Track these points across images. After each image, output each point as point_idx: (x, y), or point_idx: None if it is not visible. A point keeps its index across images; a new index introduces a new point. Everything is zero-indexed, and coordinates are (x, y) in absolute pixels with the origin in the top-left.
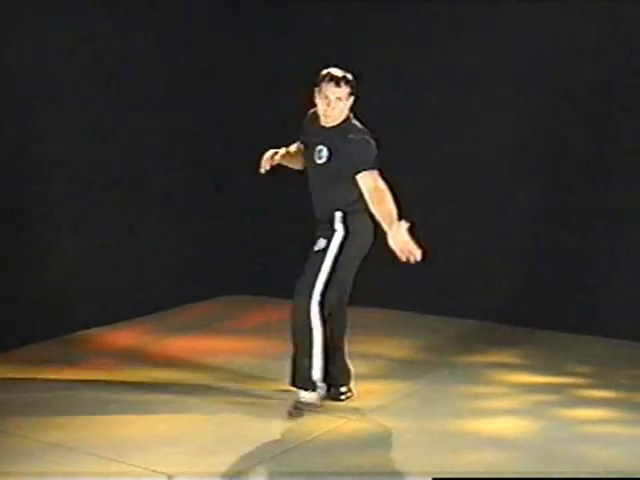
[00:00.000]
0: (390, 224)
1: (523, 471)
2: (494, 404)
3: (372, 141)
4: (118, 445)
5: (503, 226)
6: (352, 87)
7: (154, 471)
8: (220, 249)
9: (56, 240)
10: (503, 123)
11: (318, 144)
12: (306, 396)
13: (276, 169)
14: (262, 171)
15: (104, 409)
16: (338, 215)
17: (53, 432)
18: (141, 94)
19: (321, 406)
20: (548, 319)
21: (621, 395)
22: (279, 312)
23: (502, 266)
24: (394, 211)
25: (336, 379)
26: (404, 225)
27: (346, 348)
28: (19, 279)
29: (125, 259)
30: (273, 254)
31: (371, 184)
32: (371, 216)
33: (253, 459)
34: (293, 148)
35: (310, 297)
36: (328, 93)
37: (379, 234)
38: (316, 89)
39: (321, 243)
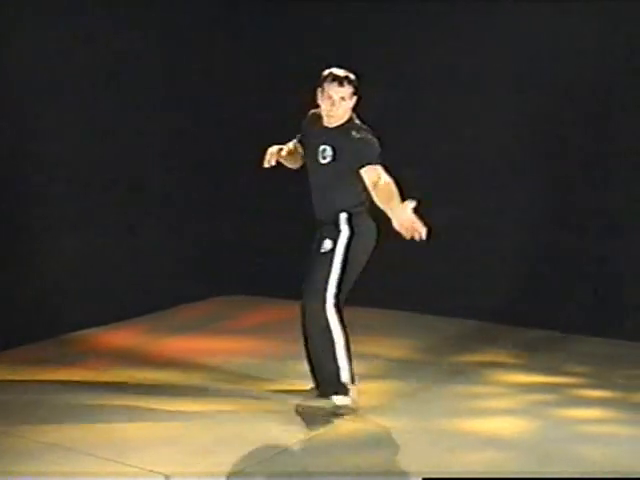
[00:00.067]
0: (395, 204)
1: (520, 471)
2: (492, 404)
3: (375, 139)
4: (116, 445)
5: (503, 226)
6: (355, 87)
7: (151, 471)
8: (218, 249)
9: (54, 240)
10: (503, 123)
11: (321, 144)
12: (340, 400)
13: (276, 166)
14: (266, 165)
15: (102, 409)
16: (343, 216)
17: (51, 432)
18: (141, 94)
19: (356, 410)
20: (547, 319)
21: (618, 395)
22: (277, 312)
23: (502, 266)
24: (397, 194)
25: None
26: (410, 204)
27: None
28: (16, 279)
29: (123, 259)
30: (271, 254)
31: (375, 177)
32: (374, 217)
33: (251, 459)
34: (291, 146)
35: (324, 301)
36: (331, 93)
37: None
38: (319, 90)
39: (327, 244)
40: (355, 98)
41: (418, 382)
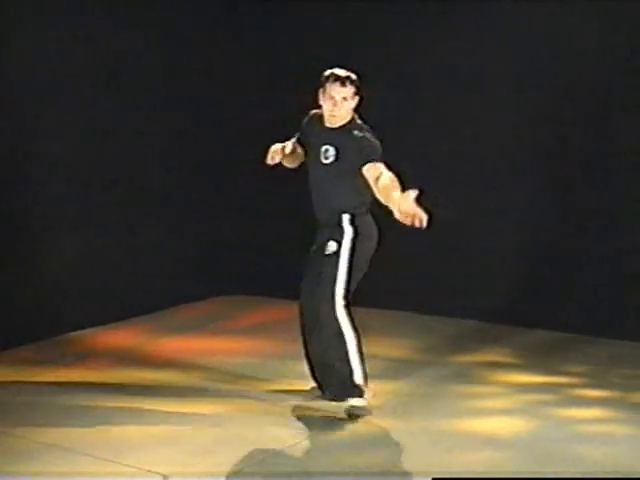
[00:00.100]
0: (397, 195)
1: (519, 471)
2: (490, 404)
3: (377, 140)
4: (114, 445)
5: (503, 226)
6: (357, 87)
7: (149, 471)
8: (217, 249)
9: (53, 240)
10: (503, 123)
11: (324, 144)
12: (355, 403)
13: (276, 165)
14: (270, 162)
15: (100, 410)
16: (346, 217)
17: (49, 433)
18: (141, 94)
19: (371, 411)
20: (547, 319)
21: (616, 395)
22: (276, 312)
23: (502, 266)
24: (399, 187)
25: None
26: (412, 193)
27: None
28: (15, 279)
29: (123, 259)
30: (270, 254)
31: (377, 173)
32: (375, 219)
33: (250, 459)
34: (291, 145)
35: (334, 303)
36: (333, 93)
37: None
38: (320, 90)
39: (332, 246)
40: (357, 98)
41: (417, 382)
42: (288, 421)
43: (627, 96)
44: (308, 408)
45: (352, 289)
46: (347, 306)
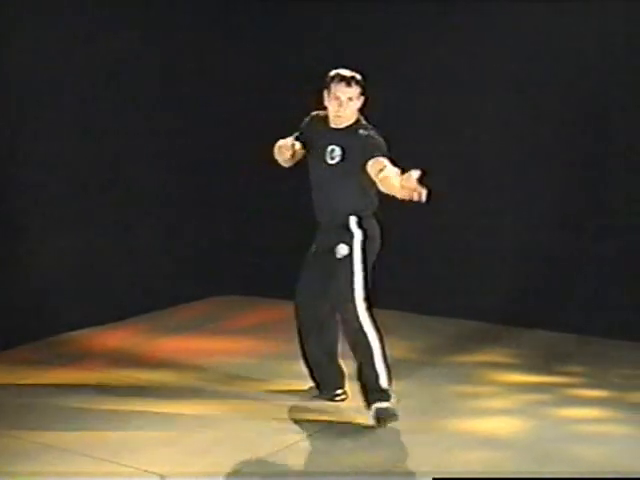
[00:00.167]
0: (398, 178)
1: (518, 471)
2: (489, 404)
3: (382, 138)
4: (111, 446)
5: (503, 226)
6: (362, 87)
7: (147, 471)
8: (215, 249)
9: (51, 240)
10: (503, 123)
11: (329, 144)
12: (383, 407)
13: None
14: (289, 155)
15: (97, 410)
16: (353, 219)
17: (47, 433)
18: (140, 94)
19: (398, 417)
20: (547, 319)
21: (614, 394)
22: (274, 312)
23: (502, 266)
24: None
25: (332, 382)
26: (415, 173)
27: (339, 349)
28: (12, 279)
29: (120, 259)
30: (268, 254)
31: (380, 167)
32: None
33: (247, 459)
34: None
35: (355, 307)
36: (339, 94)
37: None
38: (325, 91)
39: (343, 249)
40: (362, 99)
41: (417, 382)
42: (286, 421)
43: (627, 96)
44: (306, 408)
45: (370, 290)
46: (369, 308)
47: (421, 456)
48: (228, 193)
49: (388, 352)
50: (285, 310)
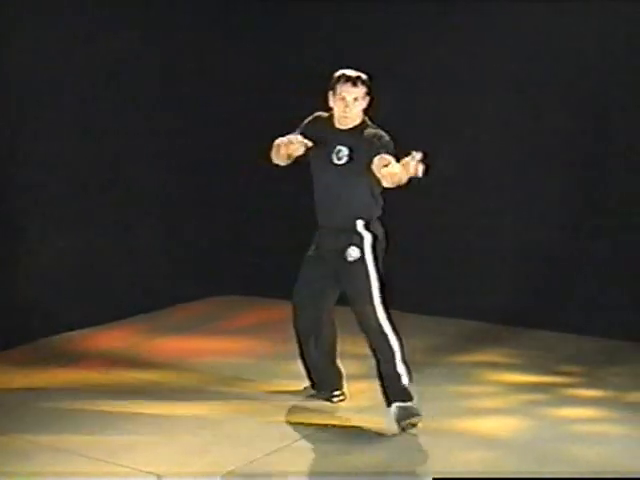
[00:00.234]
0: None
1: (516, 471)
2: (487, 404)
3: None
4: (108, 446)
5: (503, 226)
6: (368, 87)
7: (144, 471)
8: (213, 249)
9: (50, 240)
10: (503, 123)
11: (336, 145)
12: (405, 406)
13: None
14: (303, 150)
15: (95, 410)
16: (360, 222)
17: (44, 433)
18: (140, 94)
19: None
20: (546, 319)
21: (610, 394)
22: (272, 312)
23: (502, 266)
24: None
25: (330, 383)
26: (417, 155)
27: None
28: (10, 279)
29: (119, 259)
30: (266, 254)
31: (384, 162)
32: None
33: (245, 459)
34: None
35: (374, 309)
36: (345, 94)
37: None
38: (330, 92)
39: (354, 252)
40: (368, 99)
41: (417, 382)
42: (285, 421)
43: (627, 96)
44: (305, 408)
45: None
46: (387, 309)
47: (421, 456)
48: (228, 193)
49: None
50: (284, 310)
